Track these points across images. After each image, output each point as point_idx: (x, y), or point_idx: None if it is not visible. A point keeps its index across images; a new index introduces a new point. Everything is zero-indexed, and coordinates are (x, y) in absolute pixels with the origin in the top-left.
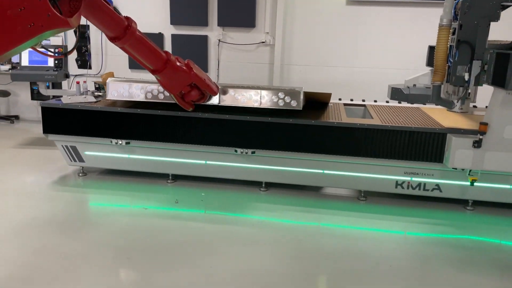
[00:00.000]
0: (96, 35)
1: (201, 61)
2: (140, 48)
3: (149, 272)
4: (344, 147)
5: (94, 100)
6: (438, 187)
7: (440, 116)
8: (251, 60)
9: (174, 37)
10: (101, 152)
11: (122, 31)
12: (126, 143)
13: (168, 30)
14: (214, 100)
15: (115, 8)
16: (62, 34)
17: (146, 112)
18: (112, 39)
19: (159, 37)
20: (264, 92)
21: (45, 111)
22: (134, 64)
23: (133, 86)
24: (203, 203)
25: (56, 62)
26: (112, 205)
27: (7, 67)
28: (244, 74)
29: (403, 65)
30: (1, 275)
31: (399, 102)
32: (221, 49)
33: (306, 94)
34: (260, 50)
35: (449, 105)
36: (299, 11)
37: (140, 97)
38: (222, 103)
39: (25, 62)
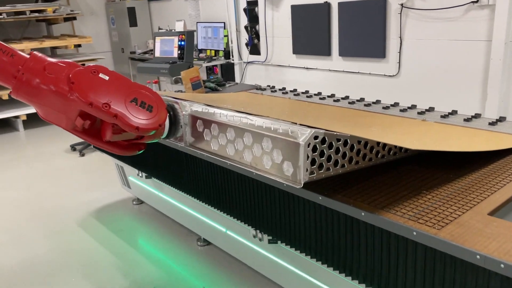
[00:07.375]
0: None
1: (377, 38)
2: None
3: None
4: None
5: None
6: None
7: None
8: (455, 36)
9: (341, 5)
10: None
11: None
12: (147, 176)
13: None
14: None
15: None
16: None
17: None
18: None
19: (323, 7)
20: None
21: None
22: (298, 49)
23: None
24: None
25: (180, 52)
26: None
27: None
28: (443, 58)
29: None
30: None
31: None
32: (406, 19)
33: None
34: (470, 16)
35: None
36: None
37: None
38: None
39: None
